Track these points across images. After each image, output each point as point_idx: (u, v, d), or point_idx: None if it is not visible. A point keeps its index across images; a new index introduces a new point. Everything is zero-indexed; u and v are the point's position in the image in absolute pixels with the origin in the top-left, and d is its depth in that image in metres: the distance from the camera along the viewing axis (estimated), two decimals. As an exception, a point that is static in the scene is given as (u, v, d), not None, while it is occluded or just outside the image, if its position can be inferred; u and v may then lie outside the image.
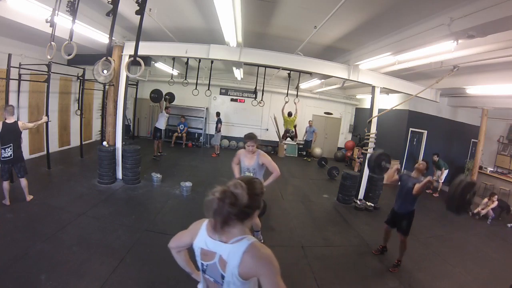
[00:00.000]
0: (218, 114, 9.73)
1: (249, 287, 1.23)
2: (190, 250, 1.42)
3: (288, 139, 11.27)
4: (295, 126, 8.98)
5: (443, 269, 3.93)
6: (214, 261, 1.24)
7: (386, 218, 3.97)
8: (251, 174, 3.54)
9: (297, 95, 8.14)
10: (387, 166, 4.14)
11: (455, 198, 2.76)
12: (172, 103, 9.64)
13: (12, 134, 4.03)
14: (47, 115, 5.79)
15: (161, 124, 8.15)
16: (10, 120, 4.05)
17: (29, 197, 4.32)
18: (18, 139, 4.16)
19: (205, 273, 1.31)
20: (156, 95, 8.87)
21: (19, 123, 4.12)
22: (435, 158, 7.89)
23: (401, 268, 3.70)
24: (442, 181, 7.83)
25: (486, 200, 6.51)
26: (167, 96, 9.18)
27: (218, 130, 9.41)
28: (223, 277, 1.22)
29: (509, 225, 6.14)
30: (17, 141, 4.13)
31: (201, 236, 1.31)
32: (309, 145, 10.89)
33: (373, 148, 6.06)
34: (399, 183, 3.79)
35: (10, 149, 4.03)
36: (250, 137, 3.42)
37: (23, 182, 4.24)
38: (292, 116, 8.69)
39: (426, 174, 3.73)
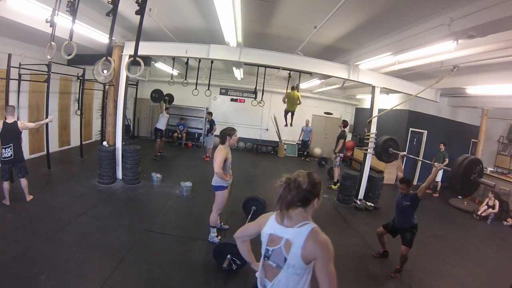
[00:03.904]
0: (210, 114, 8.90)
1: (305, 274, 1.37)
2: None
3: (288, 139, 11.34)
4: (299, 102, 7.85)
5: (443, 269, 3.93)
6: (280, 245, 1.39)
7: (386, 223, 3.92)
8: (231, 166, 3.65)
9: (299, 94, 8.08)
10: (394, 152, 4.20)
11: (458, 178, 2.63)
12: (172, 103, 9.62)
13: (12, 134, 4.04)
14: (47, 115, 5.81)
15: (162, 124, 8.13)
16: (10, 120, 4.06)
17: (29, 197, 4.32)
18: (19, 139, 4.16)
19: (269, 259, 1.46)
20: (157, 95, 8.88)
21: (19, 122, 4.12)
22: (442, 147, 7.80)
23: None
24: (440, 180, 7.81)
25: (487, 200, 6.51)
26: (166, 97, 9.18)
27: (212, 131, 8.76)
28: (285, 260, 1.36)
29: (505, 223, 6.14)
30: (17, 141, 4.13)
31: (270, 224, 1.48)
32: (307, 146, 10.78)
33: (373, 148, 6.07)
34: (396, 200, 3.78)
35: (11, 149, 4.03)
36: (234, 129, 3.65)
37: (23, 182, 4.24)
38: (295, 90, 7.67)
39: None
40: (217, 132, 7.81)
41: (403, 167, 4.11)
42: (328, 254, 1.31)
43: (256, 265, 1.67)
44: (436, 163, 3.61)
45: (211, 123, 8.77)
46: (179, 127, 10.83)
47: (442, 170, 7.50)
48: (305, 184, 1.36)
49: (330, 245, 1.33)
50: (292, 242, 1.35)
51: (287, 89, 8.06)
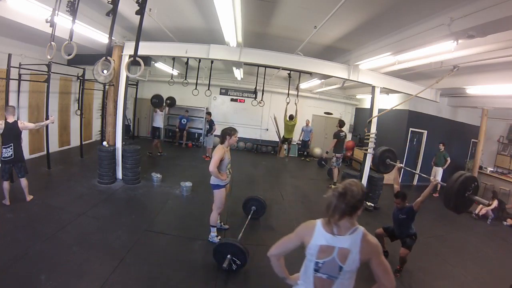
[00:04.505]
0: (209, 114, 8.94)
1: (355, 273, 1.46)
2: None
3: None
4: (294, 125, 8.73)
5: (443, 269, 3.93)
6: (333, 256, 1.40)
7: (387, 226, 3.94)
8: (229, 166, 3.68)
9: (297, 95, 8.13)
10: (391, 163, 4.21)
11: (452, 194, 2.66)
12: (173, 106, 9.64)
13: (12, 133, 4.05)
14: (47, 115, 5.81)
15: (158, 122, 8.15)
16: (11, 119, 4.06)
17: (29, 197, 4.32)
18: (19, 138, 4.17)
19: (318, 271, 1.44)
20: (157, 100, 8.78)
21: (18, 122, 4.13)
22: (441, 147, 7.74)
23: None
24: (440, 180, 7.80)
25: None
26: (168, 101, 9.17)
27: (211, 132, 8.76)
28: (340, 269, 1.39)
29: (505, 223, 6.14)
30: (17, 141, 4.13)
31: (319, 235, 1.45)
32: (307, 146, 10.81)
33: (373, 148, 6.07)
34: (392, 214, 3.84)
35: (11, 148, 4.03)
36: (235, 129, 3.69)
37: (23, 182, 4.24)
38: (293, 119, 8.41)
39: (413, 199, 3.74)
40: (217, 132, 7.85)
41: (400, 179, 4.13)
42: (380, 251, 1.42)
43: (291, 279, 1.64)
44: (432, 178, 3.64)
45: (211, 123, 8.78)
46: (182, 120, 10.38)
47: (442, 169, 7.64)
48: (359, 194, 1.38)
49: (379, 243, 1.45)
50: (350, 249, 1.39)
51: (287, 92, 8.07)
